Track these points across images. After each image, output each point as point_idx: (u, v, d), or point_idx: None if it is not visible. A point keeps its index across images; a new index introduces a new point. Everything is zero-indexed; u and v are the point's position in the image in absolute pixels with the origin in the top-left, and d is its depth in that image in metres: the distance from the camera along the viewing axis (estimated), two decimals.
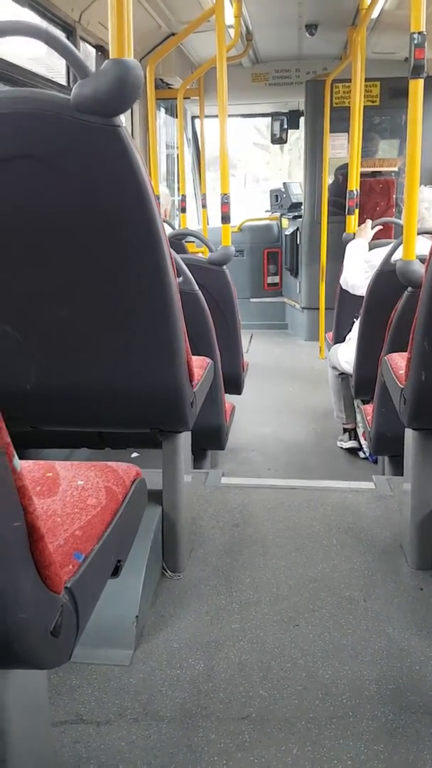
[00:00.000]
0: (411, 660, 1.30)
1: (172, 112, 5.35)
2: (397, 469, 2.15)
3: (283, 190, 6.26)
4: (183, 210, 4.47)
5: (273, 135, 5.91)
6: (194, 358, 1.55)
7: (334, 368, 3.12)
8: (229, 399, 2.59)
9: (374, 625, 1.41)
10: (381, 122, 4.81)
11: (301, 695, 1.21)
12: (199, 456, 2.43)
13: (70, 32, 3.28)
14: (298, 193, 5.81)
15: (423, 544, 1.63)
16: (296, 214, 5.63)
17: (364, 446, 3.00)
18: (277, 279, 6.11)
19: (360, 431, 3.03)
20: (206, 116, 5.10)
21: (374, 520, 1.90)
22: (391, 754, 1.07)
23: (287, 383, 4.31)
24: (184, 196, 4.49)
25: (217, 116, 2.74)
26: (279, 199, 6.24)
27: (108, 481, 0.95)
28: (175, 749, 1.09)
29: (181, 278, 1.98)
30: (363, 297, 2.65)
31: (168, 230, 3.35)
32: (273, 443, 3.27)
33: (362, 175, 3.99)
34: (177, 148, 4.91)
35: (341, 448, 3.14)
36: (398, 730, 1.12)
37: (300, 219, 5.39)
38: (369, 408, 2.46)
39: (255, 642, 1.36)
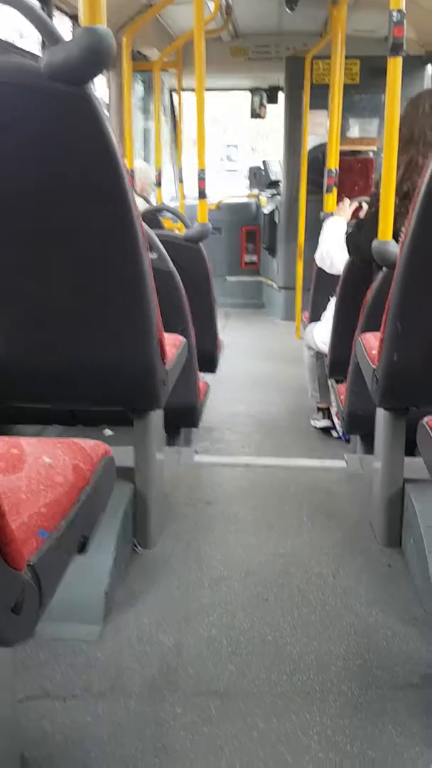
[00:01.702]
0: (378, 636, 1.32)
1: (149, 84, 5.27)
2: (369, 447, 2.17)
3: (262, 167, 6.22)
4: (158, 184, 4.42)
5: (252, 110, 5.86)
6: (167, 336, 1.54)
7: (310, 348, 3.13)
8: (204, 377, 2.59)
9: (342, 600, 1.43)
10: (361, 101, 4.78)
11: (269, 670, 1.22)
12: (172, 434, 2.42)
13: (45, 1, 3.20)
14: (277, 170, 5.78)
15: (391, 522, 1.65)
16: (275, 192, 5.60)
17: (337, 425, 3.02)
18: (254, 258, 6.09)
19: (333, 410, 3.05)
20: (184, 90, 5.02)
21: (345, 497, 1.91)
22: (356, 728, 1.09)
23: (263, 362, 4.31)
24: (160, 170, 4.44)
25: (194, 90, 2.70)
26: (258, 176, 6.20)
27: (75, 459, 0.94)
28: (142, 724, 1.10)
29: (155, 255, 1.96)
30: (339, 276, 2.65)
31: (144, 205, 3.32)
32: (247, 422, 3.28)
33: (341, 153, 3.97)
34: (154, 121, 4.84)
35: (315, 427, 3.16)
36: (364, 705, 1.14)
37: (278, 197, 5.36)
38: (342, 387, 2.47)
39: (224, 617, 1.37)
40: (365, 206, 2.77)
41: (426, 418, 1.21)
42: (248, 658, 1.25)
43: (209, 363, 2.75)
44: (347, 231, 2.56)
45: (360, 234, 2.46)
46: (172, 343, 1.68)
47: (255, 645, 1.29)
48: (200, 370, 2.40)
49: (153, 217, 3.04)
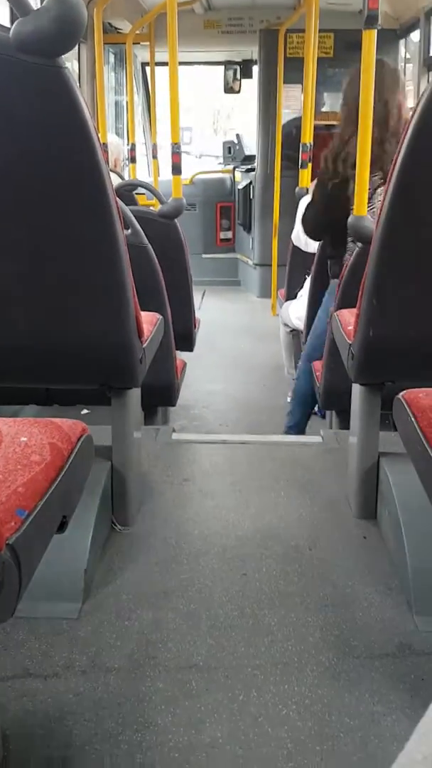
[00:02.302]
0: (354, 606, 1.34)
1: (121, 57, 5.17)
2: (345, 423, 2.19)
3: (236, 141, 6.15)
4: (132, 160, 4.37)
5: (225, 84, 5.79)
6: (144, 313, 1.53)
7: (286, 325, 3.14)
8: (181, 356, 2.58)
9: (319, 572, 1.45)
10: (335, 74, 4.75)
11: (247, 642, 1.24)
12: (150, 413, 2.42)
13: None
14: (252, 145, 5.73)
15: (367, 495, 1.67)
16: (249, 167, 5.55)
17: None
18: (230, 234, 6.06)
19: None
20: (157, 63, 4.94)
21: (322, 472, 1.93)
22: (333, 697, 1.11)
23: (239, 340, 4.31)
24: (133, 144, 4.38)
25: (167, 63, 2.65)
26: (232, 151, 6.14)
27: (53, 438, 0.93)
28: (123, 699, 1.11)
29: (129, 231, 1.94)
30: (315, 254, 2.65)
31: (118, 181, 3.28)
32: (224, 399, 3.29)
33: (316, 128, 3.95)
34: (126, 95, 4.76)
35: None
36: (341, 675, 1.16)
37: (253, 172, 5.32)
38: (318, 364, 2.48)
39: (203, 592, 1.38)
40: None
41: (402, 393, 1.23)
42: (227, 632, 1.27)
43: (186, 341, 2.74)
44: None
45: (309, 211, 2.47)
46: (149, 321, 1.67)
47: (233, 618, 1.30)
48: (177, 348, 2.39)
49: (127, 192, 3.00)
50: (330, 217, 2.34)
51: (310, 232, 2.51)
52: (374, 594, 1.38)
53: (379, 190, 2.14)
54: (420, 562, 1.35)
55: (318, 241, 2.55)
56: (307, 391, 2.68)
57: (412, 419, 1.14)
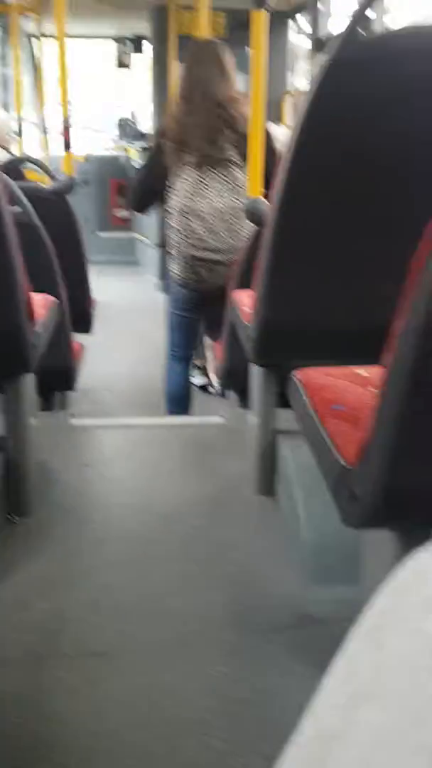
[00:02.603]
0: (255, 582, 1.37)
1: (6, 29, 4.94)
2: (245, 402, 2.22)
3: (131, 119, 6.05)
4: (19, 134, 4.20)
5: (118, 59, 5.66)
6: (35, 296, 1.48)
7: None
8: (78, 338, 2.53)
9: (222, 551, 1.47)
10: None
11: (150, 626, 1.24)
12: (47, 398, 2.36)
13: None
14: (147, 122, 5.65)
15: (266, 472, 1.71)
16: (144, 145, 5.48)
17: (214, 382, 3.06)
18: (126, 213, 5.97)
19: (210, 367, 3.09)
20: (45, 36, 4.76)
21: (223, 452, 1.96)
22: (237, 674, 1.13)
23: (140, 321, 4.27)
24: (20, 117, 4.21)
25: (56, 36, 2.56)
26: (127, 128, 6.04)
27: None
28: (23, 691, 1.08)
29: (17, 208, 1.86)
30: None
31: (6, 156, 3.14)
32: (125, 382, 3.26)
33: None
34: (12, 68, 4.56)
35: (193, 384, 3.19)
36: (245, 651, 1.18)
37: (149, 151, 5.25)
38: (218, 345, 2.50)
39: (105, 578, 1.37)
40: None
41: (296, 373, 1.25)
42: (129, 617, 1.26)
43: (83, 323, 2.68)
44: None
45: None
46: (41, 304, 1.62)
47: (136, 603, 1.30)
48: (74, 331, 2.34)
49: (14, 168, 2.88)
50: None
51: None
52: (274, 568, 1.41)
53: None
54: (316, 535, 1.40)
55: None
56: (176, 393, 2.58)
57: (305, 398, 1.16)
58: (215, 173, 2.04)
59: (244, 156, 2.01)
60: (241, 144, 2.00)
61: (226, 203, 2.02)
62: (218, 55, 2.13)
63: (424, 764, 0.22)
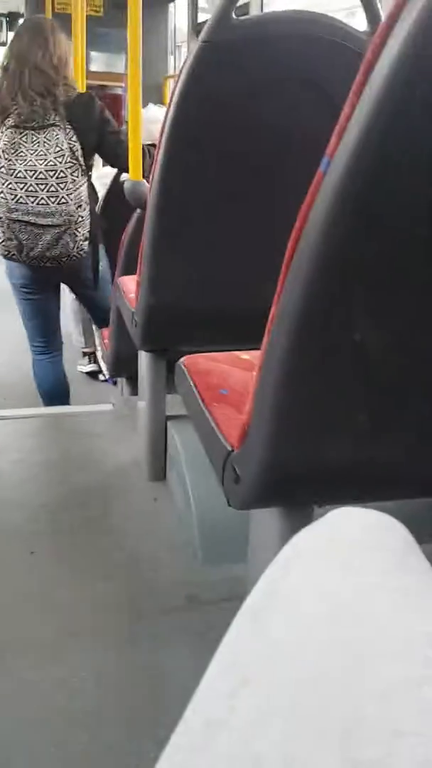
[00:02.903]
0: (146, 567, 1.37)
1: None
2: (134, 389, 2.21)
3: None
4: None
5: None
6: None
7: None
8: None
9: (112, 539, 1.46)
10: (106, 34, 4.63)
11: (37, 621, 1.21)
12: None
13: None
14: None
15: (157, 457, 1.71)
16: None
17: (103, 369, 3.02)
18: None
19: (99, 354, 3.04)
20: None
21: (112, 440, 1.93)
22: (129, 660, 1.13)
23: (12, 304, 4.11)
24: None
25: None
26: None
27: None
28: None
29: None
30: None
31: None
32: (8, 372, 3.14)
33: (89, 88, 3.84)
34: None
35: (81, 372, 3.13)
36: (135, 636, 1.18)
37: None
38: (106, 331, 2.46)
39: None
40: None
41: (182, 359, 1.25)
42: (16, 614, 1.23)
43: None
44: None
45: None
46: None
47: (21, 600, 1.26)
48: None
49: None
50: None
51: None
52: (164, 552, 1.41)
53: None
54: (205, 516, 1.41)
55: None
56: (50, 390, 2.48)
57: (191, 383, 1.17)
58: (36, 135, 2.01)
59: (69, 121, 2.02)
60: (61, 109, 2.02)
61: (47, 166, 1.99)
62: (43, 29, 2.11)
63: (300, 746, 0.22)
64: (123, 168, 2.15)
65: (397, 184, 0.58)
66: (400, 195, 0.59)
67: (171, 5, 4.73)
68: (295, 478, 0.83)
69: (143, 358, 1.71)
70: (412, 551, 0.33)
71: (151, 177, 1.38)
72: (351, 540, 0.33)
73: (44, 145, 2.01)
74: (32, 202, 2.01)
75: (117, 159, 2.18)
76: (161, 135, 1.27)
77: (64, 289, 3.23)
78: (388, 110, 0.53)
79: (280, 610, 0.31)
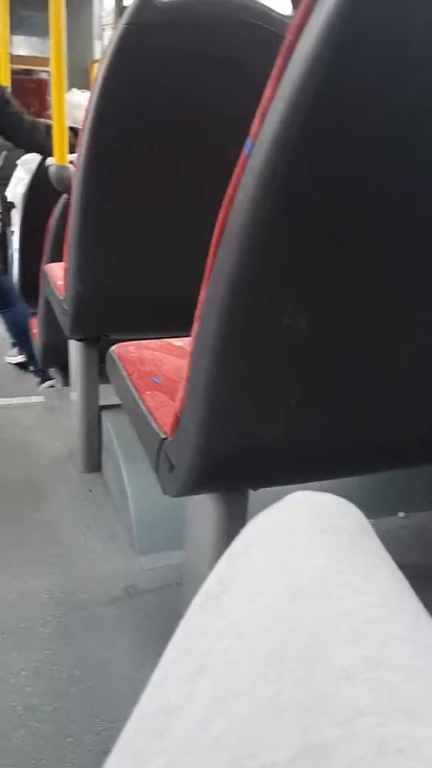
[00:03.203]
0: (82, 559, 1.35)
1: None
2: (66, 379, 2.17)
3: None
4: None
5: None
6: None
7: None
8: None
9: (45, 533, 1.43)
10: (30, 17, 4.51)
11: None
12: None
13: None
14: None
15: (90, 449, 1.68)
16: None
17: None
18: None
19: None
20: None
21: (45, 431, 1.90)
22: (65, 654, 1.11)
23: None
24: None
25: None
26: None
27: None
28: None
29: None
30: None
31: None
32: None
33: (13, 72, 3.73)
34: None
35: (11, 363, 3.05)
36: (71, 630, 1.16)
37: None
38: (35, 321, 2.40)
39: None
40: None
41: (113, 348, 1.23)
42: None
43: None
44: None
45: None
46: None
47: None
48: None
49: None
50: None
51: None
52: (100, 544, 1.40)
53: None
54: (141, 506, 1.41)
55: None
56: None
57: (123, 372, 1.15)
58: None
59: None
60: None
61: None
62: None
63: (259, 728, 0.22)
64: (20, 145, 2.15)
65: (320, 166, 0.58)
66: (323, 178, 0.59)
67: None
68: (229, 462, 0.83)
69: (74, 348, 1.68)
70: (367, 532, 0.34)
71: (77, 161, 1.35)
72: (307, 523, 0.33)
73: None
74: None
75: (14, 135, 2.19)
76: (85, 118, 1.24)
77: None
78: (308, 93, 0.53)
79: (239, 593, 0.31)
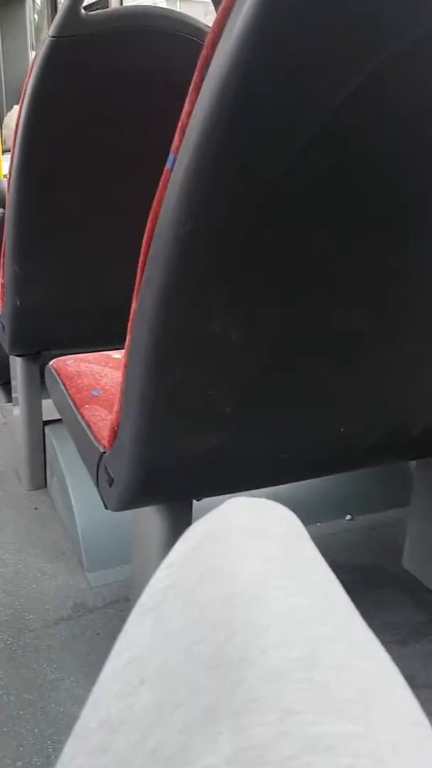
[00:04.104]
0: (28, 579, 1.32)
1: None
2: (9, 395, 2.13)
3: None
4: None
5: None
6: None
7: None
8: None
9: None
10: None
11: None
12: None
13: None
14: None
15: (35, 465, 1.66)
16: None
17: None
18: None
19: None
20: None
21: None
22: (11, 677, 1.09)
23: None
24: None
25: None
26: None
27: None
28: None
29: None
30: None
31: None
32: None
33: None
34: None
35: None
36: (18, 652, 1.14)
37: None
38: None
39: None
40: None
41: (51, 362, 1.22)
42: None
43: None
44: None
45: None
46: None
47: None
48: None
49: None
50: None
51: None
52: (47, 562, 1.37)
53: None
54: (88, 522, 1.39)
55: None
56: None
57: (62, 387, 1.14)
58: None
59: None
60: None
61: None
62: None
63: (195, 735, 0.22)
64: None
65: (239, 178, 0.59)
66: (243, 190, 0.60)
67: (28, 0, 4.59)
68: (168, 473, 0.83)
69: (15, 363, 1.66)
70: (301, 536, 0.34)
71: (8, 176, 1.33)
72: (241, 528, 0.34)
73: None
74: None
75: None
76: (15, 132, 1.23)
77: None
78: (223, 106, 0.54)
79: (177, 602, 0.31)
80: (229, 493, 0.92)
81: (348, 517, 1.53)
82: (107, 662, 0.30)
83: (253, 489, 0.94)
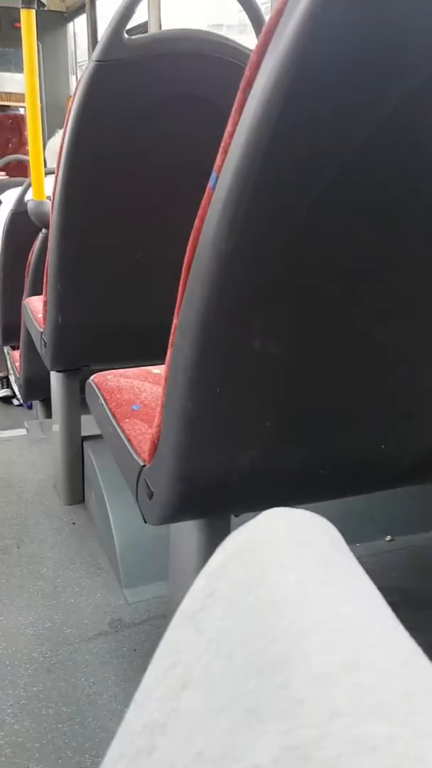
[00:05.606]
0: (66, 594, 1.33)
1: None
2: (49, 411, 2.17)
3: None
4: None
5: None
6: None
7: None
8: None
9: (29, 568, 1.41)
10: (4, 54, 4.56)
11: None
12: None
13: None
14: None
15: (73, 480, 1.68)
16: None
17: (17, 393, 2.95)
18: None
19: (12, 378, 2.97)
20: None
21: (27, 465, 1.88)
22: (50, 690, 1.09)
23: None
24: None
25: None
26: None
27: None
28: None
29: None
30: None
31: None
32: None
33: None
34: None
35: None
36: (56, 666, 1.15)
37: None
38: (17, 354, 2.41)
39: None
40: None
41: (92, 377, 1.24)
42: None
43: None
44: None
45: None
46: None
47: None
48: None
49: None
50: None
51: None
52: (85, 577, 1.38)
53: None
54: (125, 538, 1.40)
55: None
56: None
57: (102, 401, 1.15)
58: None
59: None
60: None
61: None
62: None
63: (240, 738, 0.23)
64: None
65: (281, 197, 0.60)
66: (285, 208, 0.61)
67: (70, 24, 4.71)
68: (207, 488, 0.83)
69: (55, 380, 1.68)
70: (340, 547, 0.35)
71: (53, 197, 1.36)
72: (281, 537, 0.34)
73: None
74: None
75: None
76: (59, 154, 1.26)
77: None
78: (266, 127, 0.55)
79: (217, 609, 0.31)
80: (267, 509, 0.92)
81: (388, 538, 1.51)
82: (149, 667, 0.31)
83: (292, 506, 0.94)
